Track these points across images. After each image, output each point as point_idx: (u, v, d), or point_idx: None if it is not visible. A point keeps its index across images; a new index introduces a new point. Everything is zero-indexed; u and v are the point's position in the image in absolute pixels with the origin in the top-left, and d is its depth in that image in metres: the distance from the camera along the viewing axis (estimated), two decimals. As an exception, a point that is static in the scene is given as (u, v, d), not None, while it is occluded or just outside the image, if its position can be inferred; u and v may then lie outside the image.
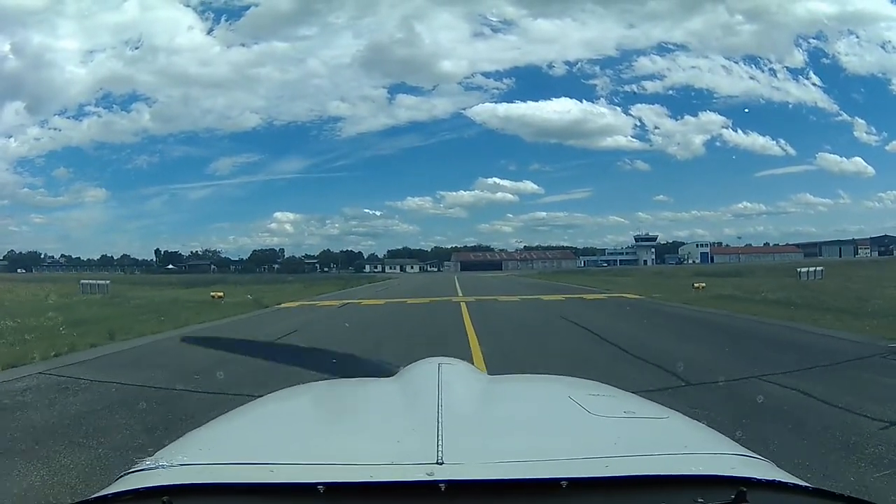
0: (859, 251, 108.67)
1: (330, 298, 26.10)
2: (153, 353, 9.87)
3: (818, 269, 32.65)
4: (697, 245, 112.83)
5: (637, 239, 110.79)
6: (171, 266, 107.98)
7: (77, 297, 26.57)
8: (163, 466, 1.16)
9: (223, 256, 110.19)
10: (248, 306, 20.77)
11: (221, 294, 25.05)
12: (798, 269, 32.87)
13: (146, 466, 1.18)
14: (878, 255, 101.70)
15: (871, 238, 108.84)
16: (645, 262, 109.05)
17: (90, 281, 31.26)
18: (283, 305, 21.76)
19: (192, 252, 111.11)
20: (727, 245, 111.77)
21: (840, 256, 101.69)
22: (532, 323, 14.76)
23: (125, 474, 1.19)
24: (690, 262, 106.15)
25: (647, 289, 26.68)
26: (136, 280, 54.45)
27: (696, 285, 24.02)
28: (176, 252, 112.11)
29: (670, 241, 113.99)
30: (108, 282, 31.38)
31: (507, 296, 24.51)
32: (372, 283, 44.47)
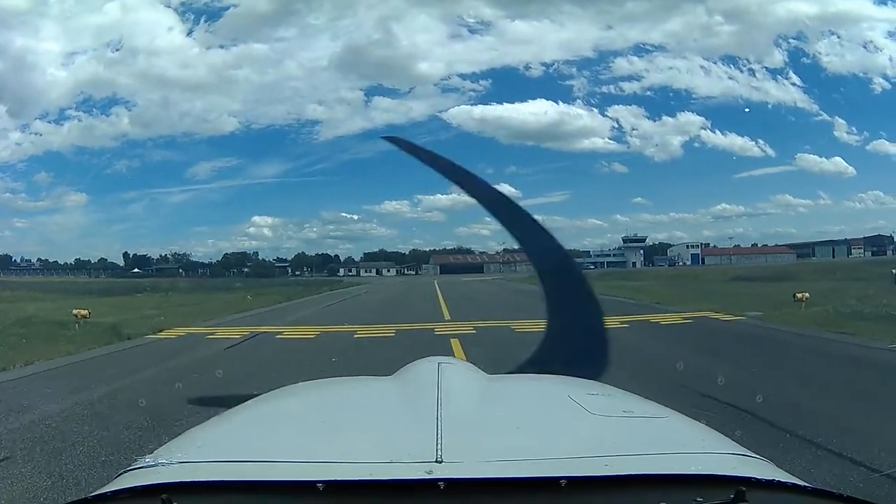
0: (853, 251, 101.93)
1: (246, 321, 18.31)
2: None
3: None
4: (688, 246, 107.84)
5: (625, 240, 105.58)
6: (136, 270, 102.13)
7: None
8: (162, 464, 1.14)
9: (192, 260, 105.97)
10: (98, 337, 13.31)
11: (86, 313, 16.98)
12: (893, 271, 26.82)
13: (145, 464, 1.17)
14: (872, 255, 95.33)
15: (864, 238, 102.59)
16: (634, 263, 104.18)
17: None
18: (159, 336, 14.42)
19: (160, 256, 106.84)
20: (715, 246, 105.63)
21: (833, 257, 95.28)
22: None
23: (124, 472, 1.17)
24: (681, 263, 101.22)
25: (714, 301, 19.81)
26: (73, 287, 44.75)
27: (798, 296, 16.75)
28: (145, 255, 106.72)
29: (657, 243, 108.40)
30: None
31: (523, 321, 14.49)
32: (332, 291, 35.19)
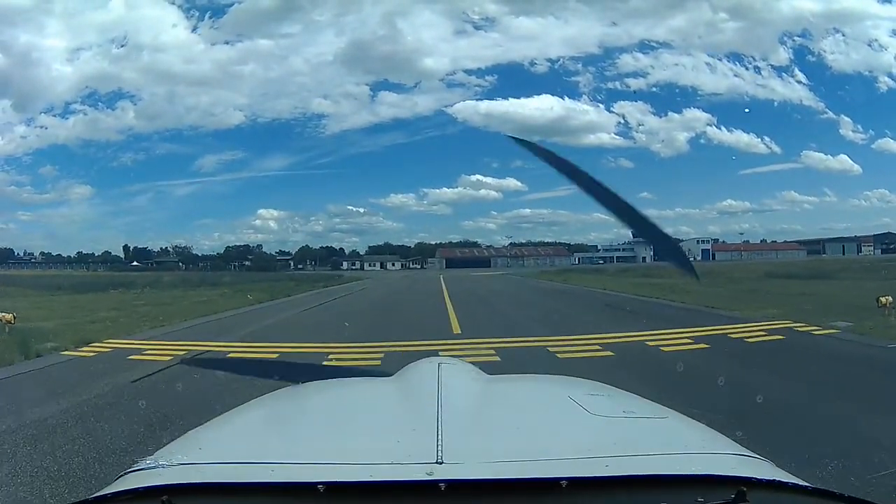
0: (863, 249, 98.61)
1: (202, 329, 14.28)
2: None
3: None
4: (698, 241, 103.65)
5: (634, 234, 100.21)
6: (136, 263, 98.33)
7: None
8: (162, 466, 1.12)
9: (193, 253, 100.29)
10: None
11: (10, 318, 13.42)
12: None
13: (145, 466, 1.15)
14: (881, 252, 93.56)
15: (874, 235, 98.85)
16: (643, 259, 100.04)
17: None
18: (77, 352, 10.69)
19: (161, 248, 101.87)
20: (724, 242, 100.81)
21: (844, 254, 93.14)
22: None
23: (125, 474, 1.15)
24: (691, 259, 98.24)
25: (773, 304, 16.27)
26: (59, 281, 40.97)
27: (882, 300, 13.41)
28: (145, 248, 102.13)
29: None
30: None
31: (560, 339, 10.77)
32: (326, 288, 30.88)
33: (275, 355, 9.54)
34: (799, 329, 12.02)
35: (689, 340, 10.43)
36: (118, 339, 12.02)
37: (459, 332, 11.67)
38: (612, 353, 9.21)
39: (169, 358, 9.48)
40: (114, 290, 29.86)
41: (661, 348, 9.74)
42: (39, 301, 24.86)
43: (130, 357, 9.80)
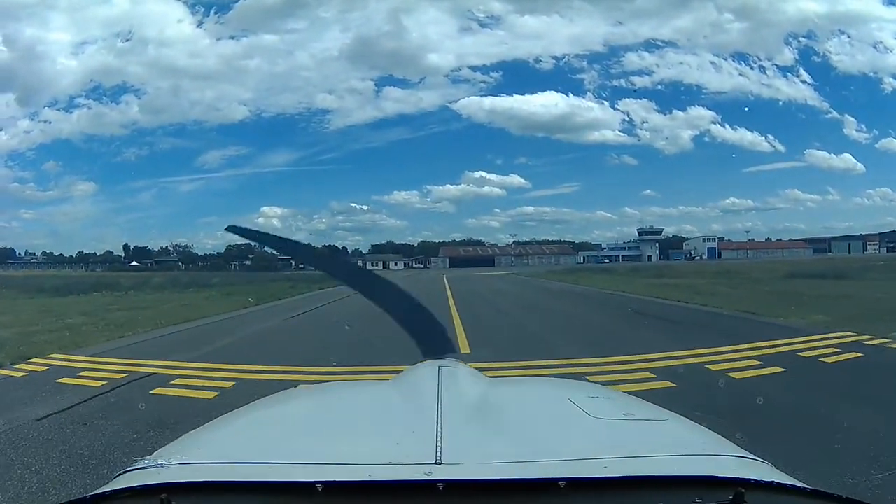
0: (868, 247, 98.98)
1: (157, 344, 11.87)
2: None
3: None
4: (704, 240, 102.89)
5: (640, 232, 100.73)
6: (135, 263, 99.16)
7: None
8: (161, 465, 1.11)
9: (193, 252, 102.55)
10: None
11: None
12: None
13: (144, 465, 1.13)
14: (887, 251, 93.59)
15: (879, 234, 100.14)
16: (649, 257, 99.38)
17: None
18: (11, 371, 8.82)
19: (161, 248, 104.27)
20: (730, 240, 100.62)
21: (850, 252, 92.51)
22: None
23: (123, 472, 1.13)
24: (697, 257, 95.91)
25: (816, 310, 13.96)
26: (49, 281, 38.98)
27: None
28: (145, 248, 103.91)
29: (671, 236, 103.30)
30: None
31: (599, 361, 8.61)
32: (320, 291, 28.48)
33: (229, 384, 7.29)
34: (869, 343, 9.92)
35: (756, 362, 8.26)
36: (64, 354, 9.91)
37: (469, 351, 9.47)
38: (671, 384, 6.96)
39: (100, 384, 7.27)
40: (97, 292, 27.75)
41: (729, 374, 7.60)
42: (12, 305, 22.88)
43: (60, 380, 7.64)
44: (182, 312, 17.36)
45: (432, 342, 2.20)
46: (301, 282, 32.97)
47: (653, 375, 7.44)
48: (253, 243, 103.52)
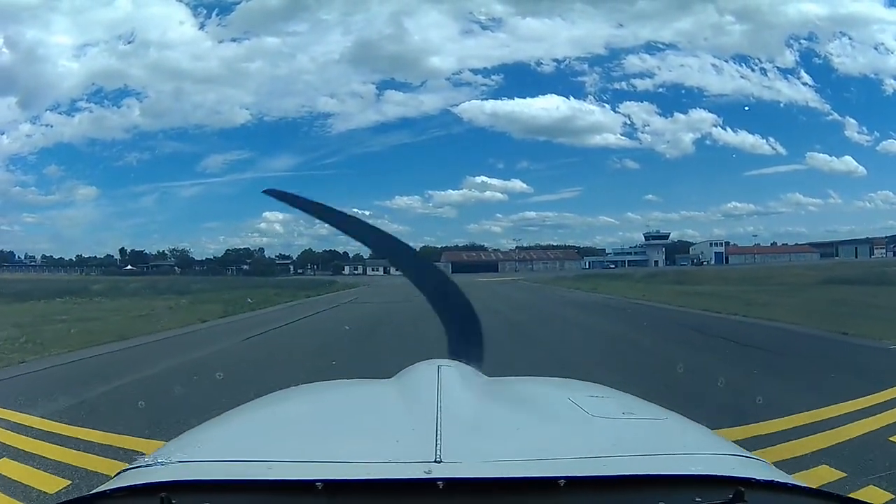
0: (875, 251, 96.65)
1: (78, 368, 9.71)
2: None
3: None
4: (711, 244, 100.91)
5: (647, 237, 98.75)
6: (130, 267, 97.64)
7: None
8: (161, 463, 1.10)
9: (190, 257, 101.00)
10: None
11: None
12: None
13: (144, 463, 1.13)
14: (894, 255, 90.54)
15: (886, 237, 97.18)
16: (656, 262, 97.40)
17: None
18: None
19: (158, 252, 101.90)
20: (735, 244, 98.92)
21: (857, 257, 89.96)
22: None
23: (123, 471, 1.12)
24: (705, 262, 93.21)
25: (885, 324, 11.37)
26: (35, 286, 36.04)
27: None
28: (142, 251, 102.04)
29: (677, 241, 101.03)
30: None
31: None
32: (308, 299, 25.62)
33: (53, 487, 4.17)
34: None
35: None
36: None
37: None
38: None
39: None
40: (60, 298, 24.84)
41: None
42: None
43: None
44: (132, 325, 14.32)
45: (464, 346, 2.19)
46: (290, 289, 30.44)
47: (843, 474, 4.27)
48: (252, 247, 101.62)
